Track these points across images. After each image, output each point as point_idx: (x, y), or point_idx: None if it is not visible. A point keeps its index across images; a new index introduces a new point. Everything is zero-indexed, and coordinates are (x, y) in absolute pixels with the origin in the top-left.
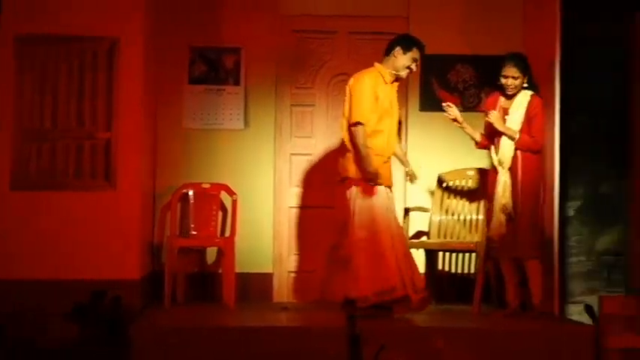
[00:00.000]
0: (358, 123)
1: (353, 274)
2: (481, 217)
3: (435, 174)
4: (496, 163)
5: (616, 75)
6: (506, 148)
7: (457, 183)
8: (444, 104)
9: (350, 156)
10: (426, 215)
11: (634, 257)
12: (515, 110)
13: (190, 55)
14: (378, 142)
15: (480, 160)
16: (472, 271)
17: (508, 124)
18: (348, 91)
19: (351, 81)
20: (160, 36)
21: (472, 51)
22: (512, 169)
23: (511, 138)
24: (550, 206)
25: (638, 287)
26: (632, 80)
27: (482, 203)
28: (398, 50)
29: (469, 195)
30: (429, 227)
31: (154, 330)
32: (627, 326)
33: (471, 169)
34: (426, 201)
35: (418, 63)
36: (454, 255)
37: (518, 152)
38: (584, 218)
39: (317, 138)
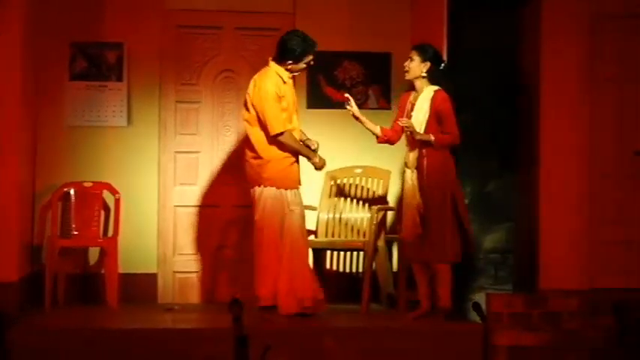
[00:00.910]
0: (281, 133)
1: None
2: (369, 215)
3: (322, 172)
4: (405, 161)
5: (503, 74)
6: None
7: (345, 181)
8: (346, 94)
9: (260, 163)
10: (314, 214)
11: (520, 255)
12: (421, 106)
13: (71, 52)
14: None
15: (368, 158)
16: (360, 270)
17: (414, 119)
18: (252, 98)
19: (252, 88)
20: (39, 32)
21: (359, 48)
22: (419, 169)
23: (428, 143)
24: None
25: (524, 284)
26: (520, 79)
27: (370, 201)
28: (290, 63)
29: (357, 193)
30: (317, 226)
31: (34, 333)
32: (514, 323)
33: (359, 166)
34: (313, 199)
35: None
36: (342, 254)
37: (424, 151)
38: (471, 216)
39: (202, 135)
